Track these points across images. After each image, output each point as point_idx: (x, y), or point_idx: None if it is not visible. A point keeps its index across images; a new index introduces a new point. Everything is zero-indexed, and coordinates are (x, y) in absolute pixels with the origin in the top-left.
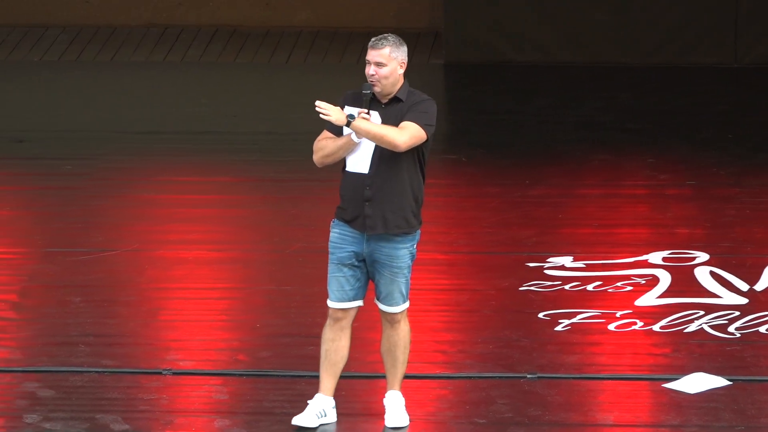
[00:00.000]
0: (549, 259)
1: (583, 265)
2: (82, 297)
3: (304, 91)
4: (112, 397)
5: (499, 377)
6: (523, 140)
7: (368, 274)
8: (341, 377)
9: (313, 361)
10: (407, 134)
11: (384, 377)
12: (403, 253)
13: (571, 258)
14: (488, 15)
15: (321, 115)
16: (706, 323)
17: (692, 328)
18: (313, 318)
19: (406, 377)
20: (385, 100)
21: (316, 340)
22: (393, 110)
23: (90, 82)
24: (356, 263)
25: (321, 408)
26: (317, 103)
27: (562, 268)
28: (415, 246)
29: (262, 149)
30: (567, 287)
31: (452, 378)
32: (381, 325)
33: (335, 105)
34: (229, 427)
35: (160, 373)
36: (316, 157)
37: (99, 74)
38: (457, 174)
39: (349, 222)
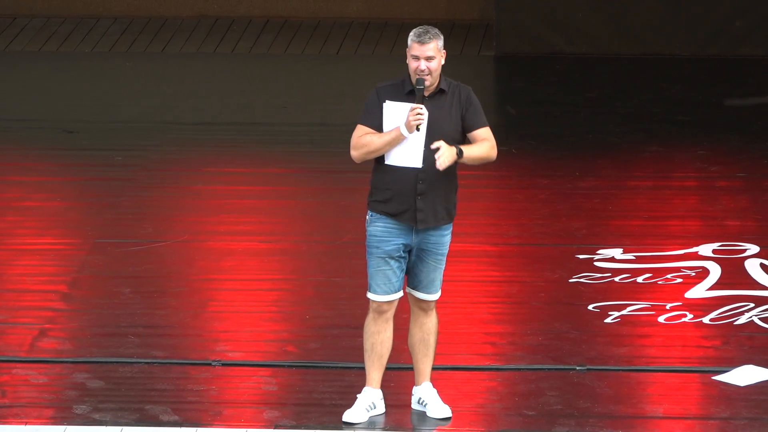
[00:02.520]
0: (599, 251)
1: (633, 257)
2: (132, 288)
3: (354, 83)
4: (162, 388)
5: (549, 369)
6: (573, 132)
7: (408, 264)
8: (389, 369)
9: (362, 352)
10: (495, 147)
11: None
12: (447, 239)
13: (620, 250)
14: (539, 6)
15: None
16: (756, 316)
17: (742, 320)
18: (362, 309)
19: (454, 369)
20: (428, 93)
21: None
22: (439, 102)
23: (141, 73)
24: (403, 254)
25: (370, 401)
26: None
27: (612, 260)
28: None
29: (313, 140)
30: (617, 279)
31: (501, 370)
32: (411, 316)
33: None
34: (278, 418)
35: (209, 364)
36: (359, 153)
37: (150, 65)
38: (508, 166)
39: (395, 215)
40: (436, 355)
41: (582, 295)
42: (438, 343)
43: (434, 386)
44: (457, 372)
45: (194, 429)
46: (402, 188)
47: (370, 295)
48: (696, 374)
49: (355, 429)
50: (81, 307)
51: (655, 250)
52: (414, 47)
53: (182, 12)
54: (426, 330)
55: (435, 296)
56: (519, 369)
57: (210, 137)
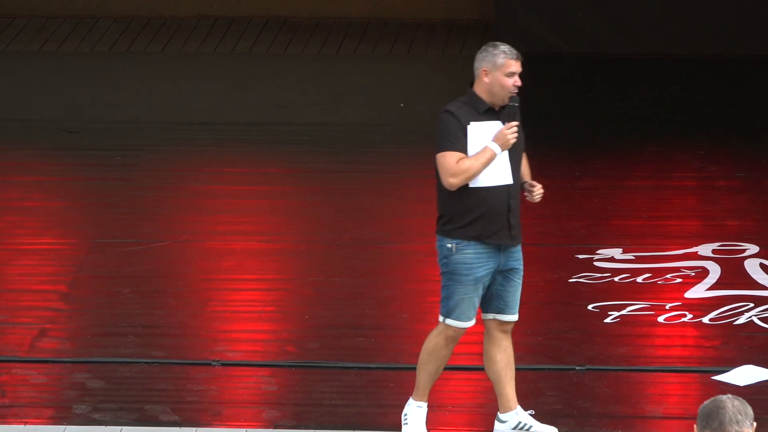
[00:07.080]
0: (598, 251)
1: (633, 257)
2: (132, 288)
3: (354, 83)
4: (161, 388)
5: (548, 369)
6: (573, 132)
7: (491, 290)
8: (389, 369)
9: (361, 352)
10: None
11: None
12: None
13: (620, 250)
14: (539, 6)
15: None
16: (755, 315)
17: (742, 320)
18: (361, 309)
19: (454, 369)
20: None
21: (364, 331)
22: (503, 116)
23: (140, 73)
24: (489, 279)
25: (425, 415)
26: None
27: (612, 260)
28: None
29: (313, 140)
30: (616, 279)
31: None
32: (486, 342)
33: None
34: (277, 418)
35: (209, 364)
36: (460, 180)
37: (149, 65)
38: None
39: (486, 237)
40: None
41: (581, 294)
42: None
43: (434, 387)
44: (457, 372)
45: (194, 429)
46: (494, 207)
47: (451, 322)
48: (696, 374)
49: (353, 430)
50: (81, 307)
51: (654, 250)
52: (512, 64)
53: (182, 12)
54: (509, 353)
55: (517, 316)
56: (519, 369)
57: (210, 137)
